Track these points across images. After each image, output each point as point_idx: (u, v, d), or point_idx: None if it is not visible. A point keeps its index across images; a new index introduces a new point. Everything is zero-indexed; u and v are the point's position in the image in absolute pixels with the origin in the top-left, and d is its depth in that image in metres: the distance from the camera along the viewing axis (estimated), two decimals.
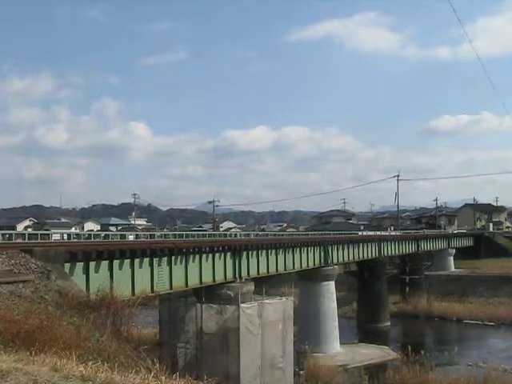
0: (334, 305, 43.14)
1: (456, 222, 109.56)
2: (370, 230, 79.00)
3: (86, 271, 19.66)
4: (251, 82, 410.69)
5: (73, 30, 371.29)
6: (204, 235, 53.44)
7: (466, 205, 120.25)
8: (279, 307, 29.21)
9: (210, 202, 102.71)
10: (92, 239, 37.40)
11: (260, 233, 73.05)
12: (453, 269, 72.51)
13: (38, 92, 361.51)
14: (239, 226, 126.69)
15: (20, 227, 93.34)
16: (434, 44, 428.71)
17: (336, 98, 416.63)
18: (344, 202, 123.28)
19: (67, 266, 17.99)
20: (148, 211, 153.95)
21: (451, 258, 74.15)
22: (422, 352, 33.27)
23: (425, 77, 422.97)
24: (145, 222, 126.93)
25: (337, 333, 42.01)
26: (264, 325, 27.86)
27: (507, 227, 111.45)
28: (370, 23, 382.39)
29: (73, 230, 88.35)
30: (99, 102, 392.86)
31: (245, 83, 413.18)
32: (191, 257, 26.54)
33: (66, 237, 38.18)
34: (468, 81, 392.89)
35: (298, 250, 37.88)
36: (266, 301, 28.78)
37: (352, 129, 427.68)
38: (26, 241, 31.19)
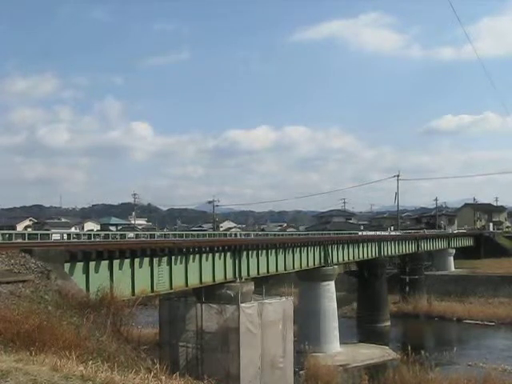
0: (334, 305, 43.13)
1: (456, 222, 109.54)
2: (370, 230, 79.02)
3: (86, 271, 19.63)
4: (253, 82, 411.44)
5: (77, 30, 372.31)
6: (204, 235, 53.50)
7: (466, 205, 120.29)
8: (279, 307, 29.21)
9: (209, 202, 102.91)
10: (92, 239, 37.48)
11: (260, 233, 73.15)
12: (453, 269, 72.49)
13: (40, 92, 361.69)
14: (239, 225, 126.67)
15: (20, 227, 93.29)
16: (437, 44, 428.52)
17: (338, 98, 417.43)
18: (344, 202, 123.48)
19: (67, 265, 17.95)
20: (148, 211, 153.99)
21: (451, 258, 74.12)
22: (422, 352, 33.15)
23: (427, 77, 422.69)
24: (145, 222, 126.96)
25: (337, 333, 42.00)
26: (264, 325, 27.87)
27: (507, 227, 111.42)
28: (374, 23, 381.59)
29: (73, 229, 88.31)
30: (102, 102, 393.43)
31: (247, 83, 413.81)
32: (191, 257, 26.52)
33: (65, 237, 38.23)
34: (471, 81, 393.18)
35: (298, 249, 37.87)
36: (266, 301, 28.79)
37: (353, 129, 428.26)
38: (26, 241, 31.27)
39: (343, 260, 46.32)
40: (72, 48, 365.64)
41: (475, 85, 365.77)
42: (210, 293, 28.48)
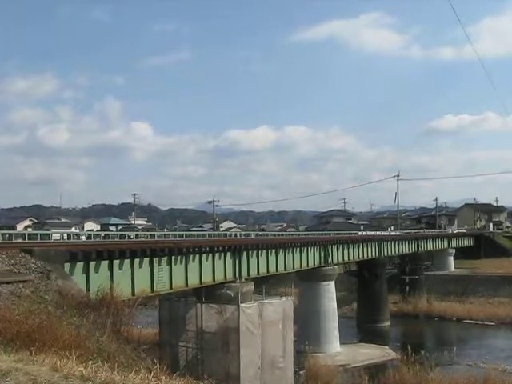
0: (334, 305, 43.14)
1: (456, 222, 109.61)
2: (370, 230, 79.06)
3: (86, 271, 19.62)
4: (254, 81, 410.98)
5: (77, 30, 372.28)
6: (204, 235, 53.52)
7: (466, 205, 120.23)
8: (279, 307, 29.22)
9: (209, 202, 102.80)
10: (92, 239, 37.51)
11: (260, 233, 73.19)
12: (453, 269, 72.50)
13: (40, 92, 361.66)
14: (239, 225, 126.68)
15: (20, 227, 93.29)
16: (437, 44, 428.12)
17: (338, 98, 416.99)
18: (344, 202, 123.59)
19: (67, 265, 17.95)
20: (148, 211, 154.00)
21: (451, 258, 74.13)
22: (422, 352, 33.13)
23: (428, 77, 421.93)
24: (145, 222, 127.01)
25: (337, 333, 42.00)
26: (264, 325, 27.87)
27: (507, 227, 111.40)
28: (374, 24, 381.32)
29: (73, 229, 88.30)
30: (102, 102, 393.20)
31: (247, 83, 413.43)
32: (191, 257, 26.51)
33: (65, 237, 38.27)
34: (471, 81, 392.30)
35: (298, 249, 37.87)
36: (266, 301, 28.79)
37: (354, 129, 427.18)
38: (26, 241, 31.29)
39: (343, 260, 46.31)
40: (72, 48, 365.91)
41: (475, 85, 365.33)
42: (209, 293, 28.47)
